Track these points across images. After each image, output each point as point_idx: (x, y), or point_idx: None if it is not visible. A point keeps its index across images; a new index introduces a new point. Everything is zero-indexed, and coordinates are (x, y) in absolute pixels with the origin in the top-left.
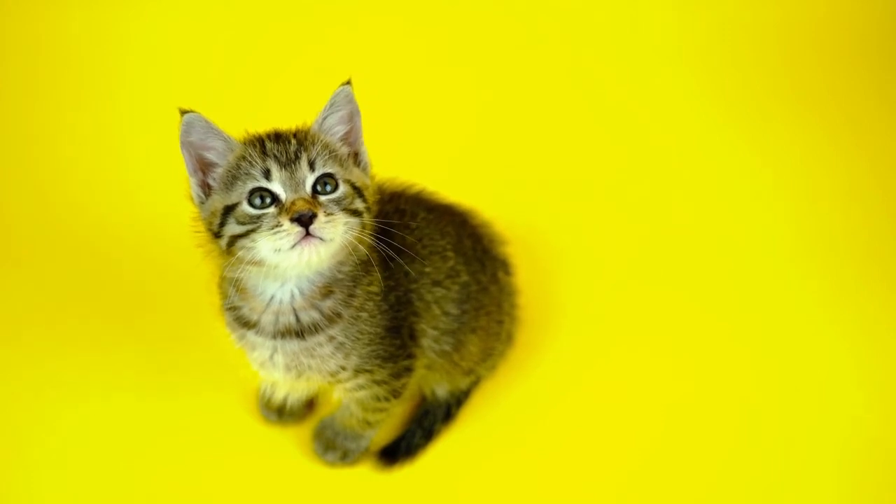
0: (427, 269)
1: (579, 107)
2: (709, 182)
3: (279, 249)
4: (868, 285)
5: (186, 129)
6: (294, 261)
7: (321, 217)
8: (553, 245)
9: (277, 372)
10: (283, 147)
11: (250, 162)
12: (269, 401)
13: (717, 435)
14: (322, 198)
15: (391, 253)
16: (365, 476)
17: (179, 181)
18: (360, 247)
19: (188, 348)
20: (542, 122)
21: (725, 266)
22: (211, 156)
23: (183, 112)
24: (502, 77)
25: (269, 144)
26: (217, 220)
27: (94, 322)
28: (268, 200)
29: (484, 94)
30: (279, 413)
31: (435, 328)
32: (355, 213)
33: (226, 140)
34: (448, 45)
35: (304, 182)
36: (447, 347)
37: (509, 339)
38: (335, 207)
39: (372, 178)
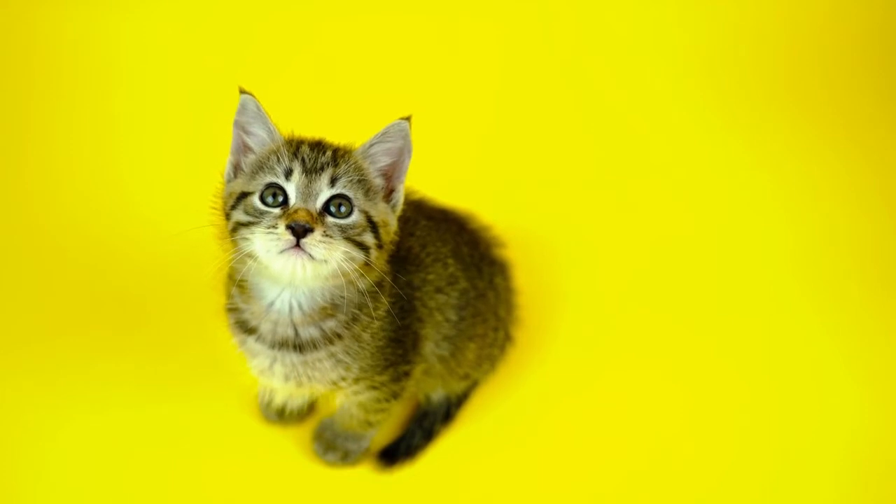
0: (430, 277)
1: (579, 110)
2: (708, 186)
3: (269, 250)
4: (868, 291)
5: (240, 109)
6: (279, 266)
7: (316, 234)
8: (552, 246)
9: (277, 381)
10: (315, 155)
11: (279, 158)
12: (268, 404)
13: (717, 436)
14: (330, 219)
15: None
16: (365, 476)
17: (179, 182)
18: (361, 282)
19: (189, 348)
20: (541, 124)
21: (724, 268)
22: (251, 141)
23: (241, 92)
24: (501, 79)
25: (303, 148)
26: (230, 203)
27: (93, 322)
28: (280, 199)
29: (483, 96)
30: (279, 414)
31: (437, 333)
32: (361, 246)
33: (270, 131)
34: (446, 48)
35: (317, 195)
36: (445, 353)
37: (508, 339)
38: (338, 232)
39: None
